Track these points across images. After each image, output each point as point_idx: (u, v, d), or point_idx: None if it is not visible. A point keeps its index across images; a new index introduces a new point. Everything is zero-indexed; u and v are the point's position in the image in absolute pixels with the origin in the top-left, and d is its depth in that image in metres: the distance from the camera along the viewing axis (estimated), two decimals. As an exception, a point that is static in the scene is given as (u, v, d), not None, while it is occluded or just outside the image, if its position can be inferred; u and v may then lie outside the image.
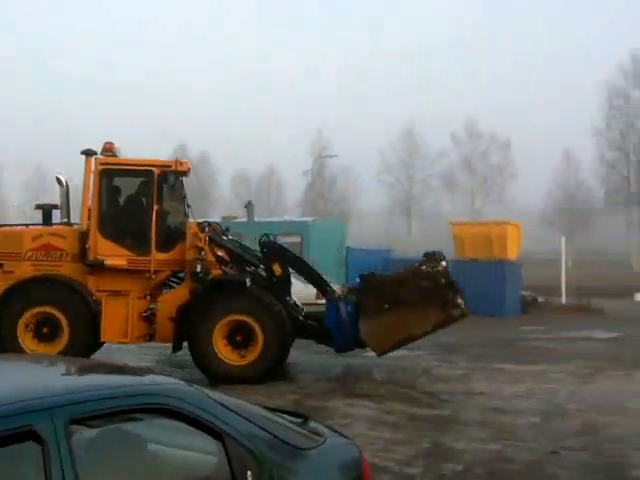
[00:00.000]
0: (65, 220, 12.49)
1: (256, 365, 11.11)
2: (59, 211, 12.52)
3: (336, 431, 3.88)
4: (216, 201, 73.26)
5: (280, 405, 8.58)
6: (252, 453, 3.03)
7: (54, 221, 12.25)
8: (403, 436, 8.03)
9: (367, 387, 10.53)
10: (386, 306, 11.29)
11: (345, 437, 3.79)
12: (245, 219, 31.27)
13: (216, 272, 11.52)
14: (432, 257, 11.91)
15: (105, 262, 11.37)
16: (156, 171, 11.52)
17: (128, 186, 12.07)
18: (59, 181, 12.78)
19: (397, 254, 27.98)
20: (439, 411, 9.27)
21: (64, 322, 11.15)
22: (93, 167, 11.59)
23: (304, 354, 12.91)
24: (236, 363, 11.15)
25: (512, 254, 23.81)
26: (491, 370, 11.91)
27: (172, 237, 11.76)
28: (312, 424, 3.67)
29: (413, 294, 11.28)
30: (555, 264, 29.43)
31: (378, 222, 68.76)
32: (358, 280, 12.06)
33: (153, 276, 11.60)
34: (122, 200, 12.14)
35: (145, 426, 3.11)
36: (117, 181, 12.01)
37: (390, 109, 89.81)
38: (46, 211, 12.36)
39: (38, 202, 13.33)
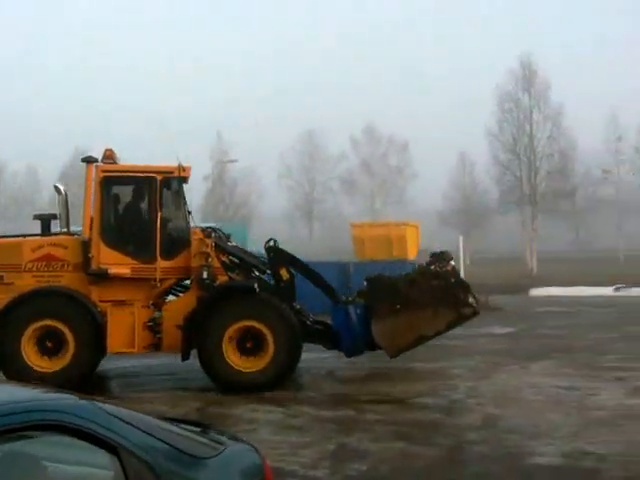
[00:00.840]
0: (65, 230, 12.17)
1: (267, 372, 10.91)
2: (58, 221, 12.25)
3: (238, 438, 3.83)
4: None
5: (184, 414, 8.47)
6: (149, 465, 2.96)
7: (53, 231, 11.99)
8: (309, 439, 8.03)
9: (272, 392, 10.46)
10: (398, 307, 11.36)
11: (247, 443, 3.74)
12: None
13: (222, 278, 11.34)
14: (440, 257, 12.11)
15: (109, 271, 11.07)
16: (158, 177, 11.35)
17: (130, 193, 11.86)
18: (58, 190, 12.51)
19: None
20: (344, 413, 9.32)
21: (69, 335, 10.79)
22: (94, 175, 11.32)
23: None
24: (246, 370, 10.93)
25: (412, 254, 24.24)
26: (395, 370, 12.05)
27: (176, 244, 11.50)
28: (212, 432, 3.62)
29: (424, 294, 11.43)
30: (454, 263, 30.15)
31: (280, 226, 68.82)
32: (365, 283, 12.12)
33: (158, 284, 11.33)
34: (124, 207, 11.89)
35: (38, 444, 2.98)
36: (119, 188, 11.78)
37: (291, 112, 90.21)
38: (45, 221, 12.06)
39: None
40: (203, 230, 11.68)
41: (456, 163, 70.34)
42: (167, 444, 3.10)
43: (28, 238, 11.93)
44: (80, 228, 11.78)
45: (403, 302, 11.38)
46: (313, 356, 12.12)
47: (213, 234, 11.58)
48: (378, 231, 25.60)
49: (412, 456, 7.35)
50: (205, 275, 11.06)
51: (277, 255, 11.99)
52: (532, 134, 53.83)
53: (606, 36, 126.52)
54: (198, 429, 3.61)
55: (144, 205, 11.65)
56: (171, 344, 11.18)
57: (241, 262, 11.91)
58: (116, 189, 11.68)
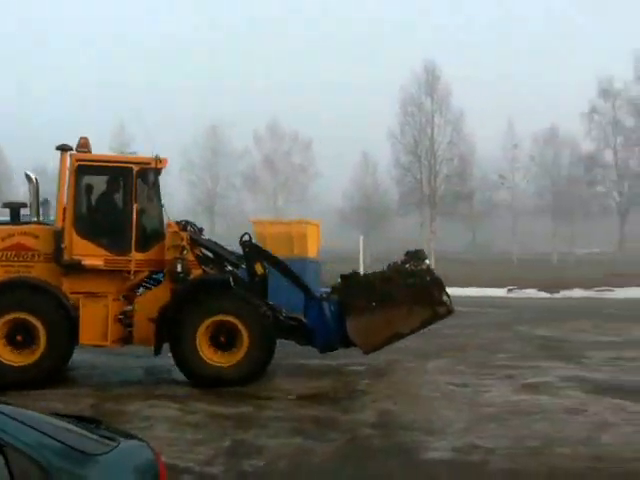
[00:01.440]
0: (34, 219, 11.66)
1: (241, 367, 10.77)
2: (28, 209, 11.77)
3: (131, 434, 3.78)
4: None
5: (78, 410, 8.24)
6: (38, 463, 2.88)
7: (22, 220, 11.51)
8: (205, 436, 7.98)
9: (169, 388, 10.33)
10: (373, 304, 11.33)
11: (140, 440, 3.70)
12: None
13: (196, 272, 11.10)
14: (415, 255, 12.11)
15: (82, 262, 10.74)
16: (135, 168, 11.07)
17: (105, 183, 11.54)
18: (28, 178, 12.01)
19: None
20: (242, 409, 9.29)
21: (40, 328, 10.44)
22: (68, 163, 10.98)
23: (100, 356, 12.43)
24: (220, 365, 10.78)
25: (312, 252, 24.38)
26: (295, 366, 12.12)
27: (150, 236, 11.28)
28: (104, 429, 3.56)
29: (399, 292, 11.39)
30: (355, 262, 30.55)
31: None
32: (339, 280, 12.08)
33: (131, 276, 11.09)
34: (99, 198, 11.49)
35: None
36: (94, 178, 11.43)
37: (195, 106, 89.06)
38: (14, 210, 11.62)
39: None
40: (178, 223, 11.46)
41: (359, 163, 71.30)
42: (58, 441, 3.03)
43: None
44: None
45: (379, 299, 11.38)
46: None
47: (188, 227, 11.44)
48: (279, 228, 25.55)
49: (308, 452, 7.42)
50: (179, 268, 10.84)
51: (252, 250, 11.87)
52: (433, 138, 55.13)
53: (505, 47, 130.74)
54: (91, 426, 3.54)
55: (119, 196, 11.37)
56: (142, 337, 10.98)
57: (215, 256, 11.79)
58: (91, 179, 11.39)
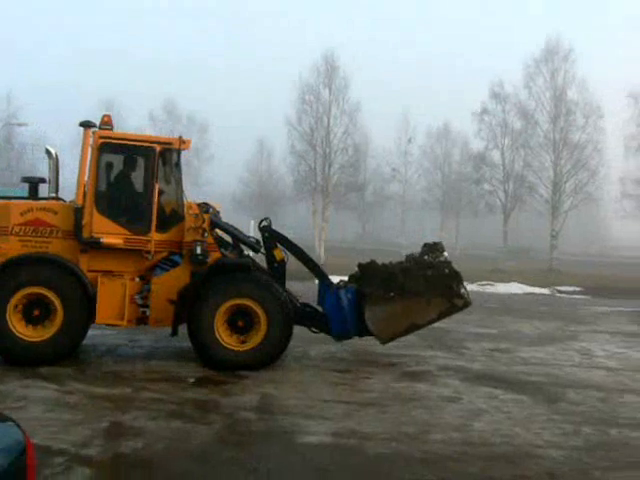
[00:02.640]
0: (53, 195, 11.56)
1: (259, 351, 10.79)
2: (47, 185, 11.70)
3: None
4: None
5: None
6: None
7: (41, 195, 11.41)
8: (81, 417, 7.79)
9: (49, 369, 10.01)
10: (392, 294, 11.40)
11: (8, 420, 3.57)
12: None
13: (215, 255, 11.07)
14: (434, 248, 12.19)
15: (101, 240, 10.65)
16: (158, 148, 10.97)
17: (127, 162, 11.33)
18: (49, 153, 11.90)
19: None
20: (121, 391, 9.11)
21: (57, 304, 10.36)
22: (92, 140, 10.83)
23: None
24: (237, 349, 10.76)
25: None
26: (175, 349, 11.97)
27: (170, 217, 11.19)
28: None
29: (418, 283, 11.46)
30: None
31: (71, 198, 65.81)
32: (357, 269, 12.10)
33: (150, 257, 10.98)
34: (120, 176, 11.34)
35: None
36: (116, 156, 11.26)
37: (91, 80, 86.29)
38: (33, 185, 11.51)
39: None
40: (199, 205, 11.42)
41: (255, 149, 71.12)
42: None
43: (16, 200, 11.26)
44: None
45: (397, 290, 11.44)
46: (95, 332, 11.74)
47: (209, 209, 11.42)
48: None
49: (187, 434, 7.36)
50: (199, 250, 10.86)
51: (272, 235, 11.86)
52: (329, 127, 55.48)
53: (408, 43, 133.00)
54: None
55: (140, 175, 11.22)
56: (159, 318, 10.95)
57: (233, 239, 11.86)
58: (113, 157, 11.23)
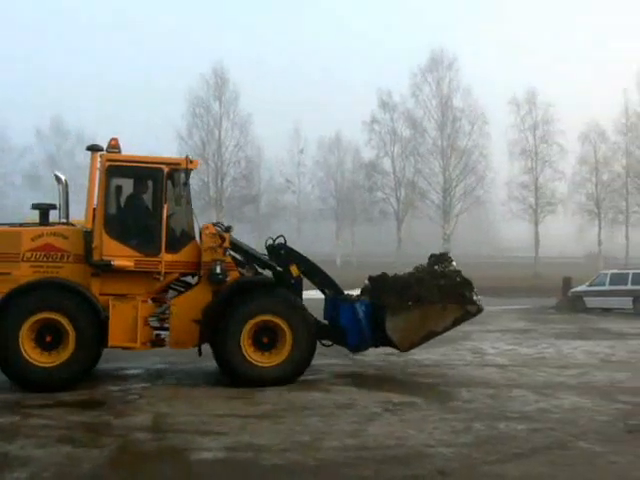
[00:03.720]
0: (64, 220, 11.53)
1: (285, 366, 10.95)
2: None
3: None
4: None
5: None
6: None
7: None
8: (-38, 449, 7.41)
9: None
10: (410, 304, 11.70)
11: None
12: None
13: (233, 274, 11.19)
14: (442, 258, 12.70)
15: (113, 263, 10.65)
16: (165, 169, 11.02)
17: (135, 184, 11.37)
18: (58, 179, 11.93)
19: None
20: (7, 419, 8.73)
21: (70, 329, 10.33)
22: (99, 164, 10.86)
23: None
24: (264, 365, 10.89)
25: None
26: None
27: (181, 238, 11.30)
28: None
29: (433, 292, 11.83)
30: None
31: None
32: (367, 282, 12.47)
33: (161, 278, 11.03)
34: (129, 198, 11.42)
35: None
36: (124, 179, 11.33)
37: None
38: (43, 211, 11.32)
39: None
40: (214, 225, 11.60)
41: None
42: None
43: (27, 227, 11.15)
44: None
45: (415, 299, 11.75)
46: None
47: (230, 229, 11.60)
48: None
49: (78, 460, 7.11)
50: (219, 270, 10.94)
51: (288, 252, 11.95)
52: (220, 140, 55.29)
53: (299, 54, 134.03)
54: None
55: (149, 196, 11.28)
56: (180, 340, 11.06)
57: (247, 258, 11.84)
58: (121, 179, 11.31)
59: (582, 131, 61.76)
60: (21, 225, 11.42)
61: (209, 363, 12.22)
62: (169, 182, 11.04)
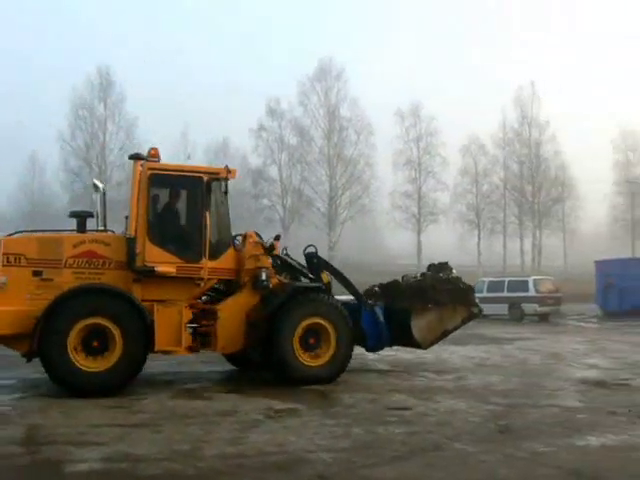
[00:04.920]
0: (101, 227, 11.91)
1: (329, 366, 11.83)
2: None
3: None
4: None
5: None
6: None
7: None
8: None
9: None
10: (429, 306, 13.05)
11: None
12: None
13: (273, 280, 11.92)
14: (443, 267, 14.07)
15: (156, 269, 10.97)
16: (205, 177, 11.42)
17: (177, 192, 11.73)
18: (96, 187, 12.33)
19: None
20: None
21: (117, 334, 10.50)
22: (141, 172, 11.11)
23: None
24: (310, 364, 11.68)
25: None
26: None
27: (220, 245, 11.68)
28: None
29: (444, 296, 13.23)
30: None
31: None
32: (378, 289, 13.76)
33: (202, 284, 11.51)
34: (171, 206, 11.75)
35: None
36: (166, 187, 11.61)
37: None
38: (81, 219, 11.49)
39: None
40: (257, 233, 12.30)
41: (25, 165, 67.40)
42: None
43: (69, 233, 11.41)
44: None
45: (433, 302, 13.11)
46: None
47: (280, 238, 12.63)
48: None
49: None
50: (264, 277, 11.67)
51: (319, 261, 12.95)
52: (105, 143, 53.98)
53: (186, 59, 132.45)
54: None
55: (190, 204, 11.68)
56: (227, 344, 11.63)
57: (288, 265, 12.66)
58: (163, 187, 11.57)
59: (463, 144, 64.16)
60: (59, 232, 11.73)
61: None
62: (209, 190, 11.38)
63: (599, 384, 11.89)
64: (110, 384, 10.46)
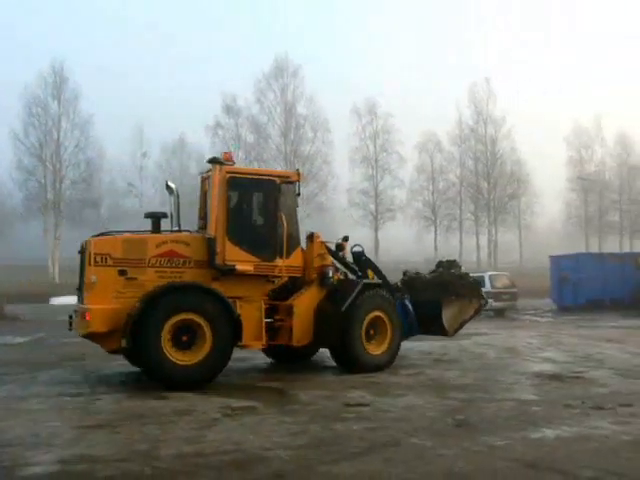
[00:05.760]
0: (176, 228, 12.41)
1: (386, 354, 13.10)
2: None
3: None
4: None
5: None
6: None
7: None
8: None
9: None
10: (453, 298, 14.38)
11: None
12: None
13: (336, 277, 13.11)
14: (453, 264, 15.34)
15: (236, 267, 11.65)
16: (278, 180, 12.19)
17: (253, 194, 12.44)
18: (169, 189, 12.75)
19: None
20: None
21: (206, 329, 11.01)
22: (219, 175, 11.71)
23: None
24: (373, 353, 12.89)
25: None
26: None
27: (291, 243, 12.35)
28: None
29: (462, 289, 14.53)
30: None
31: None
32: (400, 284, 14.79)
33: (275, 281, 12.29)
34: (247, 207, 12.46)
35: None
36: (242, 189, 12.19)
37: None
38: (156, 220, 12.09)
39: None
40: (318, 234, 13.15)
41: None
42: None
43: (152, 234, 11.89)
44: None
45: (455, 294, 14.39)
46: None
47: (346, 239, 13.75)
48: None
49: None
50: (331, 274, 12.82)
51: (366, 258, 14.04)
52: (59, 141, 53.17)
53: (140, 55, 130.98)
54: None
55: (265, 206, 12.35)
56: (302, 337, 12.48)
57: (344, 263, 13.80)
58: (240, 190, 12.15)
59: (420, 141, 64.60)
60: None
61: (43, 373, 11.80)
62: (281, 192, 12.14)
63: (554, 377, 12.08)
64: (200, 377, 10.96)
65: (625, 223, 67.68)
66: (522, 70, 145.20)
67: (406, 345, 16.74)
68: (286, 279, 12.50)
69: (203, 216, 12.73)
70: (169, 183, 13.19)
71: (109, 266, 11.09)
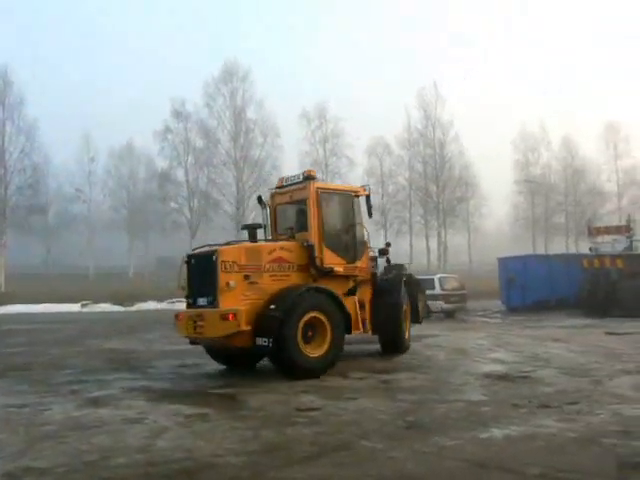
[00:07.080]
0: (270, 238, 14.53)
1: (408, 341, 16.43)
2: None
3: None
4: None
5: None
6: None
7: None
8: None
9: None
10: (420, 293, 17.77)
11: None
12: None
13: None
14: (401, 267, 17.40)
15: (334, 269, 13.73)
16: (353, 194, 14.54)
17: (336, 206, 14.35)
18: (262, 202, 14.92)
19: None
20: None
21: (327, 325, 12.80)
22: (312, 190, 13.74)
23: None
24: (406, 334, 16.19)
25: None
26: None
27: (363, 248, 14.74)
28: None
29: (420, 287, 17.98)
30: None
31: None
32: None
33: (354, 280, 14.37)
34: (334, 217, 14.30)
35: None
36: (329, 202, 14.13)
37: None
38: (252, 230, 13.74)
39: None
40: None
41: None
42: None
43: (264, 243, 13.69)
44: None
45: (421, 291, 17.91)
46: None
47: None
48: None
49: None
50: (379, 273, 15.89)
51: (393, 264, 16.98)
52: (4, 147, 52.12)
53: (84, 58, 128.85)
54: None
55: (347, 216, 14.42)
56: (370, 327, 14.96)
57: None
58: (327, 202, 14.06)
59: (369, 145, 64.98)
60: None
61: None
62: (357, 204, 14.45)
63: (502, 377, 12.25)
64: (325, 366, 12.61)
65: (570, 224, 68.89)
66: (470, 74, 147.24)
67: (356, 348, 16.85)
68: (361, 278, 14.60)
69: (275, 228, 15.00)
70: (261, 197, 15.05)
71: (236, 272, 12.40)
